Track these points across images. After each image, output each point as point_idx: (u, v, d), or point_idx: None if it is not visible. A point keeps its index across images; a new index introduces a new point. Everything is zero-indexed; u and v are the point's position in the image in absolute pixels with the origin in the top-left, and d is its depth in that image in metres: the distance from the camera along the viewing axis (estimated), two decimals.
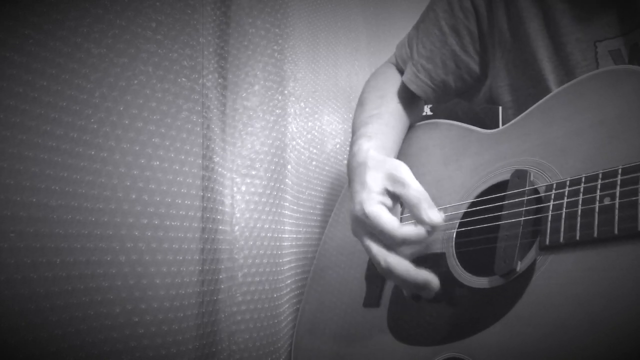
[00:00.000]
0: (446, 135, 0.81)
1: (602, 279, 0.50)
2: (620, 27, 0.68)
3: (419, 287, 0.65)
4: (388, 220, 0.65)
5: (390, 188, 0.67)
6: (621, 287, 0.48)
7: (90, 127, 0.61)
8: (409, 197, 0.64)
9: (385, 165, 0.69)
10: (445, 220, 0.71)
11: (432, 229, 0.63)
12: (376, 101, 0.87)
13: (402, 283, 0.66)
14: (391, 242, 0.65)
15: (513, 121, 0.71)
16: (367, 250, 0.68)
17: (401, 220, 0.75)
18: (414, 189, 0.65)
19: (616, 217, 0.50)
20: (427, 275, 0.64)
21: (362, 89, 0.94)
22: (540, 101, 0.67)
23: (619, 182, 0.52)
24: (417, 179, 0.80)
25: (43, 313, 0.55)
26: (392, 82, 0.91)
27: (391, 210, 0.67)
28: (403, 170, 0.67)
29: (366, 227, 0.67)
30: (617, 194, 0.51)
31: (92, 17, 0.61)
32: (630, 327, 0.46)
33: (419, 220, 0.63)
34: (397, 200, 0.68)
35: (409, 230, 0.63)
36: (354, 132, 0.84)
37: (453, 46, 0.84)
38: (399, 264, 0.64)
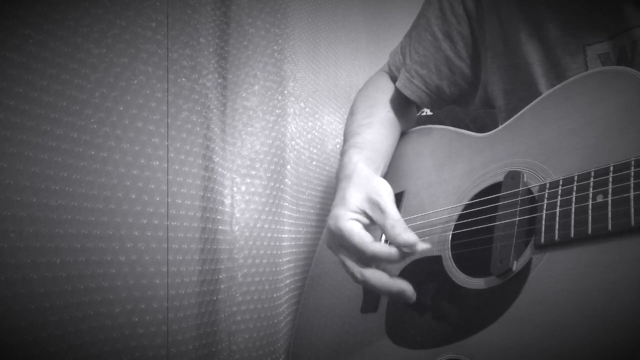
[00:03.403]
0: (439, 140, 0.82)
1: (598, 275, 0.50)
2: (607, 31, 0.69)
3: (394, 297, 0.67)
4: (359, 236, 0.66)
5: (369, 212, 0.69)
6: (618, 282, 0.49)
7: (90, 127, 0.61)
8: (385, 226, 0.66)
9: (368, 185, 0.71)
10: (441, 223, 0.71)
11: (406, 250, 0.64)
12: (367, 110, 0.88)
13: (379, 292, 0.69)
14: (362, 258, 0.67)
15: (505, 123, 0.72)
16: (342, 264, 0.69)
17: (386, 242, 0.76)
18: (391, 218, 0.66)
19: (609, 214, 0.51)
20: (401, 285, 0.66)
21: (354, 99, 0.94)
22: (532, 103, 0.68)
23: (610, 180, 0.52)
24: (411, 184, 0.81)
25: (43, 313, 0.55)
26: (384, 90, 0.91)
27: (368, 227, 0.69)
28: (384, 195, 0.69)
29: (339, 240, 0.69)
30: (610, 191, 0.52)
31: (92, 17, 0.61)
32: (628, 323, 0.47)
33: (392, 242, 0.65)
34: (374, 223, 0.70)
35: (380, 247, 0.65)
36: (345, 142, 0.84)
37: (446, 51, 0.84)
38: (373, 275, 0.66)
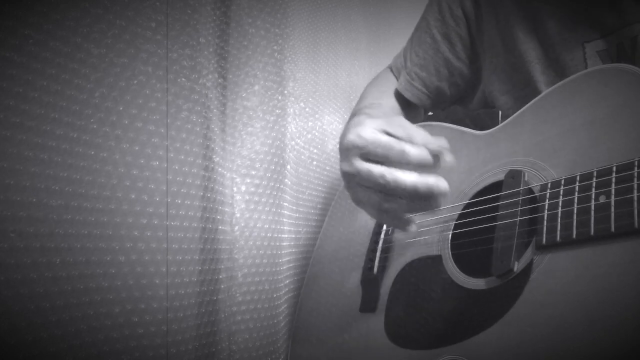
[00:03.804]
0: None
1: (600, 277, 0.50)
2: (606, 28, 0.69)
3: (430, 191, 0.58)
4: (386, 137, 0.59)
5: (389, 129, 0.61)
6: (619, 284, 0.48)
7: (90, 127, 0.61)
8: (409, 133, 0.59)
9: (385, 117, 0.64)
10: (440, 222, 0.71)
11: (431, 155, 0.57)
12: (377, 94, 0.89)
13: (412, 193, 0.58)
14: (389, 158, 0.59)
15: (506, 122, 0.72)
16: (366, 172, 0.60)
17: (391, 232, 0.76)
18: (412, 129, 0.59)
19: (612, 215, 0.50)
20: (434, 179, 0.57)
21: (364, 89, 0.94)
22: (532, 101, 0.68)
23: (613, 180, 0.52)
24: None
25: (43, 313, 0.55)
26: (392, 85, 0.92)
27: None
28: (402, 119, 0.63)
29: (357, 150, 0.61)
30: (613, 191, 0.52)
31: (92, 17, 0.61)
32: (629, 324, 0.46)
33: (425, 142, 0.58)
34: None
35: (409, 147, 0.58)
36: (352, 117, 0.78)
37: (445, 53, 0.85)
38: (403, 173, 0.58)
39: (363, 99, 0.89)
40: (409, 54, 0.89)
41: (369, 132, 0.60)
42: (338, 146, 0.70)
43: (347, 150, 0.63)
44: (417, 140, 0.58)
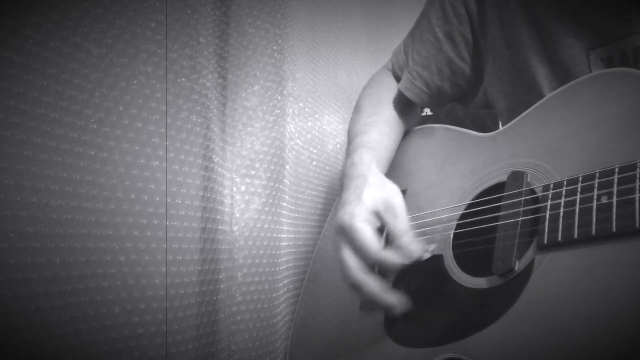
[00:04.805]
0: (442, 139, 0.81)
1: (601, 277, 0.50)
2: (611, 36, 0.69)
3: (382, 309, 0.69)
4: (371, 239, 0.67)
5: (382, 213, 0.70)
6: (620, 284, 0.48)
7: (90, 127, 0.61)
8: (396, 229, 0.68)
9: (384, 189, 0.72)
10: (442, 223, 0.71)
11: (410, 260, 0.66)
12: (372, 109, 0.88)
13: (369, 300, 0.69)
14: (366, 260, 0.68)
15: (509, 124, 0.71)
16: (343, 261, 0.69)
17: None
18: (402, 222, 0.68)
19: (614, 215, 0.50)
20: (394, 300, 0.67)
21: (358, 96, 0.94)
22: (537, 104, 0.68)
23: (615, 181, 0.52)
24: (413, 183, 0.81)
25: (43, 313, 0.55)
26: (388, 89, 0.91)
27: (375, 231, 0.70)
28: (398, 200, 0.71)
29: (348, 237, 0.69)
30: (615, 192, 0.52)
31: (92, 17, 0.61)
32: (629, 325, 0.46)
33: (400, 249, 0.66)
34: (382, 227, 0.71)
35: (387, 255, 0.66)
36: (351, 140, 0.85)
37: (448, 53, 0.84)
38: (369, 282, 0.67)
39: (359, 114, 0.89)
40: (410, 52, 0.89)
41: (360, 227, 0.68)
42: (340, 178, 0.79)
43: (339, 228, 0.70)
44: (401, 240, 0.66)
